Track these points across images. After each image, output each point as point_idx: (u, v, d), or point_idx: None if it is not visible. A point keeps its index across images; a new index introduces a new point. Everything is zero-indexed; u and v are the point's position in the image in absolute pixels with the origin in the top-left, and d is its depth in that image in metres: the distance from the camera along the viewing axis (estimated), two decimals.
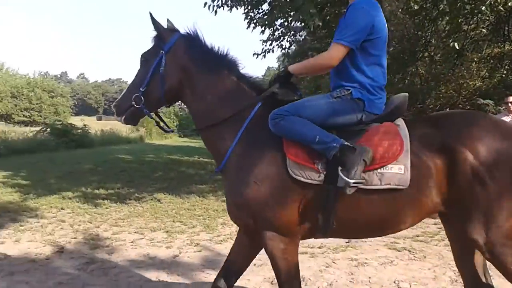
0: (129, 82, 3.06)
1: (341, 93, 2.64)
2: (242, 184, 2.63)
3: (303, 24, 8.52)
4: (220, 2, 9.44)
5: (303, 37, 14.56)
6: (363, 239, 5.39)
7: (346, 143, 2.43)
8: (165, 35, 2.88)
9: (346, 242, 5.33)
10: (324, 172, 2.47)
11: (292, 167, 2.51)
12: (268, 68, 69.45)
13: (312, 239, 2.90)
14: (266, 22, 9.15)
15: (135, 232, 5.89)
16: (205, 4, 9.43)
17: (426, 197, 2.48)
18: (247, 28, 10.21)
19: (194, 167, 12.83)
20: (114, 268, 4.57)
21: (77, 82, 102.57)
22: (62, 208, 7.18)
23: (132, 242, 5.46)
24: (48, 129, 19.62)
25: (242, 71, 2.92)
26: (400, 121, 2.62)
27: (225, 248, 5.04)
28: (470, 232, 2.40)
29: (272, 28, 10.11)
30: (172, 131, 3.29)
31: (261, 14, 10.10)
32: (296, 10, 7.37)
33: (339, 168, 2.39)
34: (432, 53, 14.77)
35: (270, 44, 10.34)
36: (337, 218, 2.51)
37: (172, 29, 2.94)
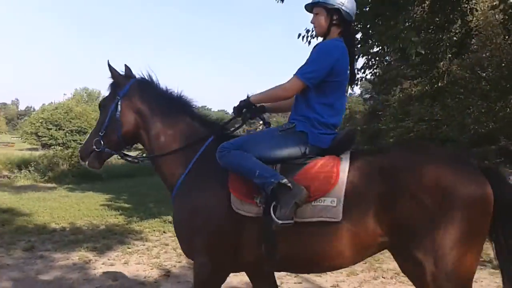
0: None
1: (286, 126, 2.72)
2: (180, 210, 2.82)
3: (400, 52, 8.35)
4: (314, 33, 9.56)
5: (385, 63, 14.29)
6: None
7: (283, 180, 2.45)
8: (121, 81, 3.05)
9: None
10: (263, 206, 2.51)
11: (234, 202, 2.60)
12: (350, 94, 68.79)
13: None
14: (361, 52, 9.11)
15: None
16: (299, 35, 9.64)
17: (364, 229, 2.42)
18: None
19: None
20: None
21: None
22: (164, 232, 7.52)
23: None
24: (144, 154, 20.61)
25: (196, 110, 3.09)
26: (345, 154, 2.61)
27: (326, 281, 4.99)
28: (417, 258, 2.31)
29: (367, 56, 10.05)
30: (137, 162, 3.38)
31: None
32: (395, 39, 7.27)
33: (273, 204, 2.44)
34: None
35: (363, 72, 10.30)
36: (280, 251, 2.54)
37: (127, 75, 3.10)
